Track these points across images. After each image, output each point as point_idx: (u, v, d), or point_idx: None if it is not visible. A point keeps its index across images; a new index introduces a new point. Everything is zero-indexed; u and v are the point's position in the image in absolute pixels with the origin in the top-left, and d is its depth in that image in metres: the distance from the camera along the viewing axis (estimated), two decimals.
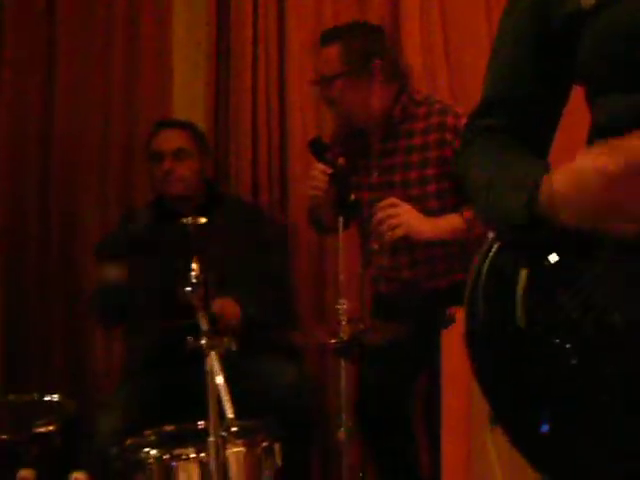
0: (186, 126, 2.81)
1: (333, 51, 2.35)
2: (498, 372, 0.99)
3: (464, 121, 2.19)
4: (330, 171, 2.26)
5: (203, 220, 1.93)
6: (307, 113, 3.05)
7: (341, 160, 2.31)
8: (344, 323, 1.99)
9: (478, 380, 1.01)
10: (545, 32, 1.05)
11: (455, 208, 2.26)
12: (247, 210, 2.88)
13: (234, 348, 1.70)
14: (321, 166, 2.29)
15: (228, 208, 2.76)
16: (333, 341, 1.97)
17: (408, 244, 2.30)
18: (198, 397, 1.78)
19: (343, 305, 2.01)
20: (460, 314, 1.81)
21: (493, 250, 1.03)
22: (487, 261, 1.03)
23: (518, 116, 1.12)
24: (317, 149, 2.33)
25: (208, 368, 1.67)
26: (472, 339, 1.04)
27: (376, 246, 2.33)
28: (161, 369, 2.54)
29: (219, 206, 2.75)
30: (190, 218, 1.93)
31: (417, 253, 2.34)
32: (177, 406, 2.34)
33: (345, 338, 1.97)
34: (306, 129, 3.04)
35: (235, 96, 3.10)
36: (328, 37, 2.39)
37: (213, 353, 1.65)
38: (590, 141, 1.06)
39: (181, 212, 2.51)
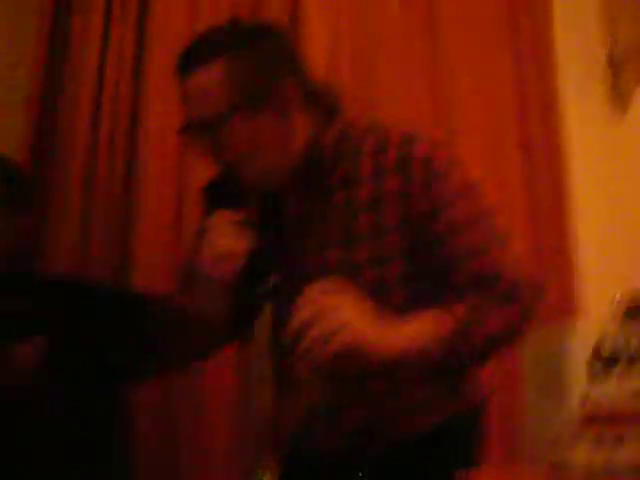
0: None
1: (212, 76, 1.37)
2: None
3: (446, 153, 1.39)
4: (239, 222, 1.34)
5: None
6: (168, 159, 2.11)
7: (251, 210, 1.37)
8: None
9: None
10: None
11: (434, 303, 1.34)
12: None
13: None
14: (227, 216, 1.34)
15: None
16: None
17: (355, 366, 1.35)
18: None
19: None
20: None
21: None
22: None
23: None
24: (220, 195, 1.38)
25: None
26: None
27: (305, 373, 1.38)
28: None
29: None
30: None
31: (375, 381, 1.39)
32: None
33: None
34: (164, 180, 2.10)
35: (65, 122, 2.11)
36: (200, 55, 1.39)
37: None
38: None
39: None
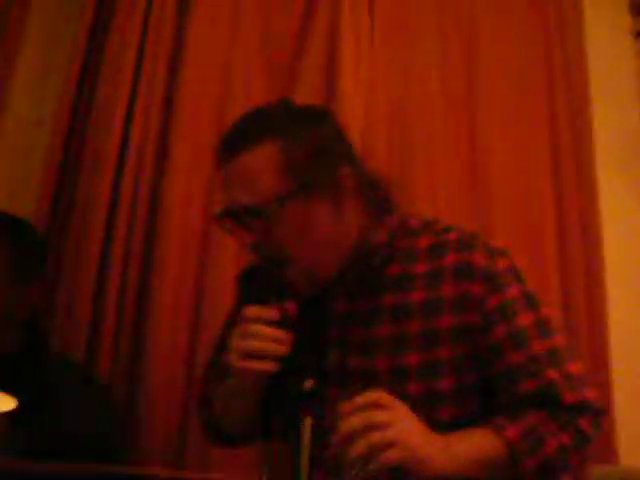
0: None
1: (265, 158, 1.25)
2: None
3: (505, 263, 1.29)
4: (277, 318, 1.21)
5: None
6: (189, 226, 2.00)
7: (290, 306, 1.25)
8: None
9: None
10: None
11: (479, 419, 1.25)
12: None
13: None
14: (264, 311, 1.22)
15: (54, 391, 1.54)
16: None
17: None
18: None
19: None
20: None
21: None
22: None
23: None
24: (255, 288, 1.26)
25: None
26: None
27: None
28: None
29: (37, 382, 1.54)
30: None
31: None
32: None
33: None
34: (186, 257, 2.00)
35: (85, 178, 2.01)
36: (251, 135, 1.27)
37: None
38: None
39: None
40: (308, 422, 1.13)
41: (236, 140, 1.27)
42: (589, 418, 1.26)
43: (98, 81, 2.08)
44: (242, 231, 1.28)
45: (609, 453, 2.04)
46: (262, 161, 1.25)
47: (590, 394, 1.28)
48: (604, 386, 2.10)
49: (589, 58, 2.44)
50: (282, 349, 1.20)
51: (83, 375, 1.71)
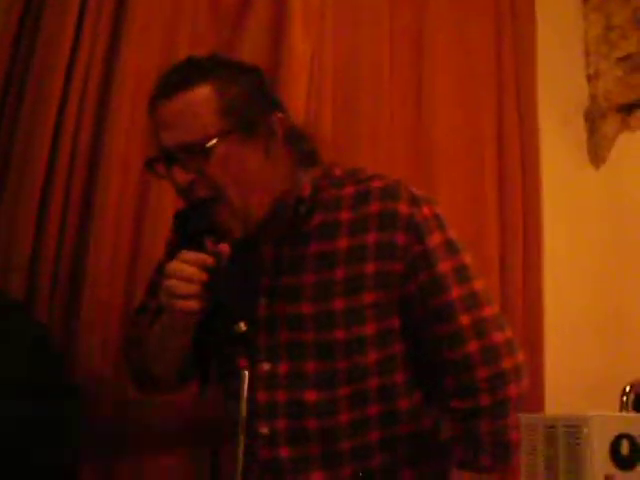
0: None
1: (202, 97, 1.29)
2: None
3: (428, 211, 1.35)
4: (212, 263, 1.25)
5: None
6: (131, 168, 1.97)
7: (224, 247, 1.27)
8: None
9: None
10: None
11: (402, 364, 1.37)
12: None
13: None
14: (198, 255, 1.25)
15: None
16: None
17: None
18: None
19: None
20: None
21: None
22: None
23: None
24: (191, 227, 1.29)
25: None
26: None
27: (265, 429, 1.35)
28: None
29: None
30: None
31: (343, 441, 1.36)
32: None
33: None
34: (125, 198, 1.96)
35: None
36: (185, 77, 1.31)
37: None
38: None
39: None
40: (245, 374, 1.16)
41: (173, 83, 1.31)
42: (512, 378, 1.34)
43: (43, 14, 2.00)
44: (176, 173, 1.29)
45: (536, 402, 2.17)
46: (201, 100, 1.29)
47: (501, 341, 1.35)
48: (536, 320, 2.28)
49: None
50: (192, 288, 1.23)
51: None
